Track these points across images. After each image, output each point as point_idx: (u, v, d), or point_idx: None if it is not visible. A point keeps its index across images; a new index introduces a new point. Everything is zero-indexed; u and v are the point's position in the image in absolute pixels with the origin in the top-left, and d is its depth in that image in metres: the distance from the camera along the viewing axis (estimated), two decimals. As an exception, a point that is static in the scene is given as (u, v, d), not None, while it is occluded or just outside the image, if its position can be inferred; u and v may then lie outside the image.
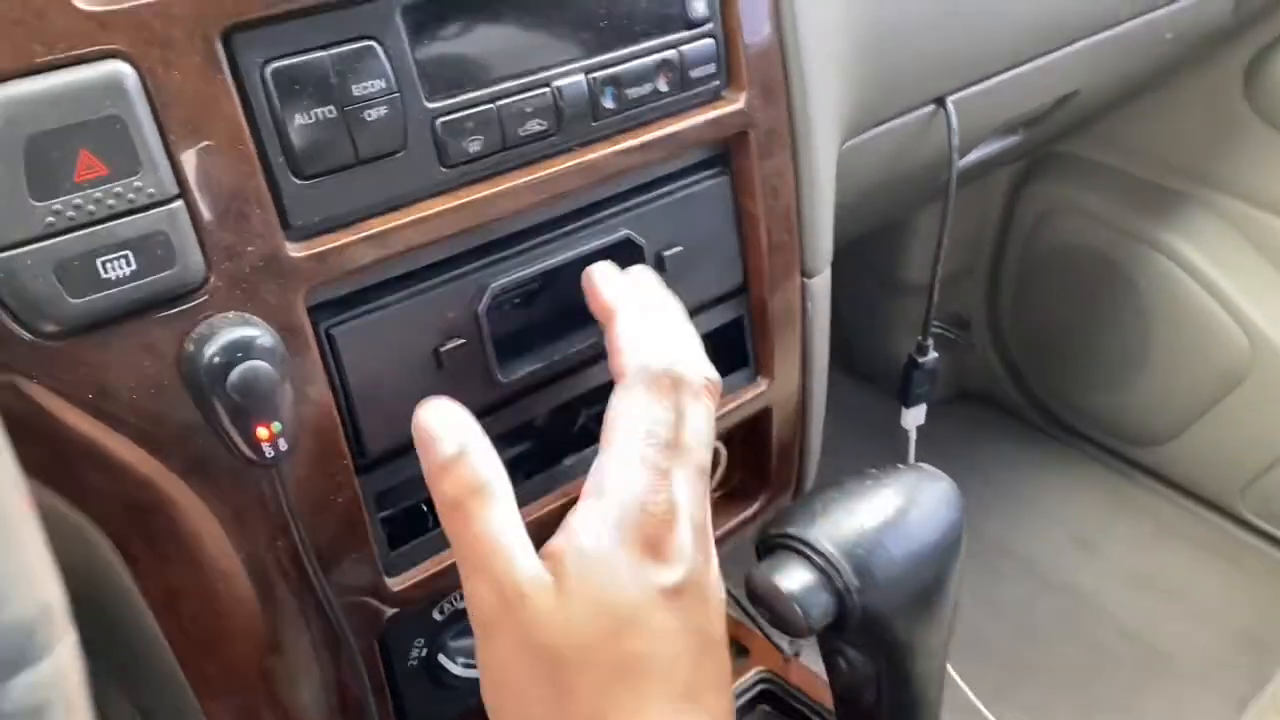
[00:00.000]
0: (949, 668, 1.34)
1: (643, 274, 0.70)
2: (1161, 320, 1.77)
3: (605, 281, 0.67)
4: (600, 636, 0.52)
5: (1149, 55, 1.34)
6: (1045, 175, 1.82)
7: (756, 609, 0.66)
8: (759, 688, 0.94)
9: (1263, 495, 1.76)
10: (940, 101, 0.99)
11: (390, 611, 0.67)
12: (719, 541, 0.89)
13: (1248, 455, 1.74)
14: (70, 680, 0.24)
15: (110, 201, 0.50)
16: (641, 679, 0.52)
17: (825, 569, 0.64)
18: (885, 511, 0.67)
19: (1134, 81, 1.46)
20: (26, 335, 0.50)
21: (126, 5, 0.50)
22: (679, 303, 0.69)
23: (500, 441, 0.72)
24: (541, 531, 0.73)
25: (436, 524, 0.71)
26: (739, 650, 0.97)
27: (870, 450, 1.73)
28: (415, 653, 0.72)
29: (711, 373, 0.65)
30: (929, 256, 1.93)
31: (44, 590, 0.24)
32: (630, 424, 0.59)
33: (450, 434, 0.57)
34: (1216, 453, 1.78)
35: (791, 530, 0.66)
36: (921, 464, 0.72)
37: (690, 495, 0.58)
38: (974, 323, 2.04)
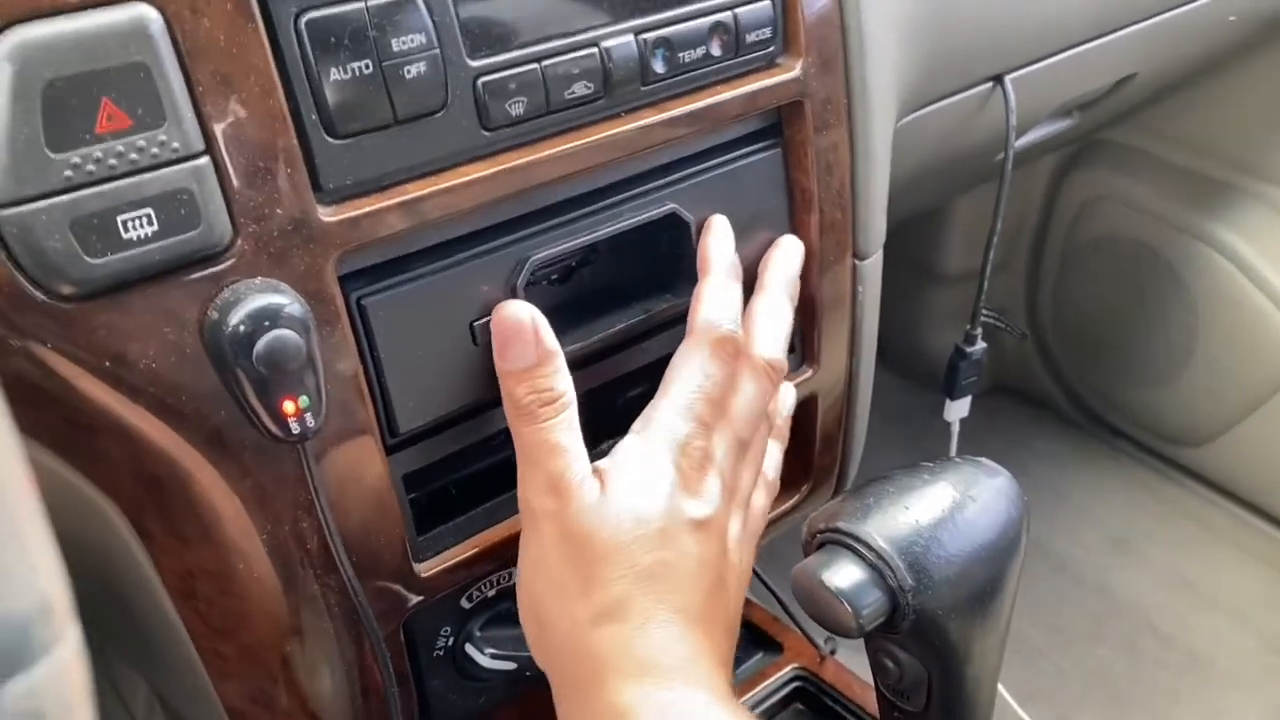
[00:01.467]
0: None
1: (786, 247, 0.74)
2: (1208, 316, 1.71)
3: (717, 237, 0.69)
4: (632, 538, 0.59)
5: (1210, 39, 1.29)
6: (1089, 163, 1.76)
7: (803, 606, 0.63)
8: (793, 685, 0.91)
9: (1307, 498, 1.71)
10: (998, 80, 0.95)
11: (418, 598, 0.64)
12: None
13: (1291, 457, 1.69)
14: (70, 685, 0.21)
15: (133, 155, 0.47)
16: (660, 584, 0.58)
17: (878, 566, 0.60)
18: (941, 507, 0.63)
19: (1193, 65, 1.40)
20: (41, 297, 0.47)
21: (153, -55, 0.47)
22: (786, 295, 0.72)
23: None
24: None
25: (466, 508, 0.68)
26: (773, 646, 0.93)
27: (905, 444, 1.69)
28: (442, 642, 0.69)
29: (777, 357, 0.68)
30: (966, 247, 1.90)
31: (44, 583, 0.21)
32: (687, 376, 0.64)
33: (530, 343, 0.60)
34: (1261, 454, 1.72)
35: (842, 525, 0.62)
36: (979, 458, 0.68)
37: (724, 455, 0.64)
38: (1012, 314, 1.99)
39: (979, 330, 1.05)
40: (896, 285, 1.98)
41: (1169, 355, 1.79)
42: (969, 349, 1.05)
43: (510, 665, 0.69)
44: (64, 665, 0.20)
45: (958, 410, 1.10)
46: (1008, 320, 1.13)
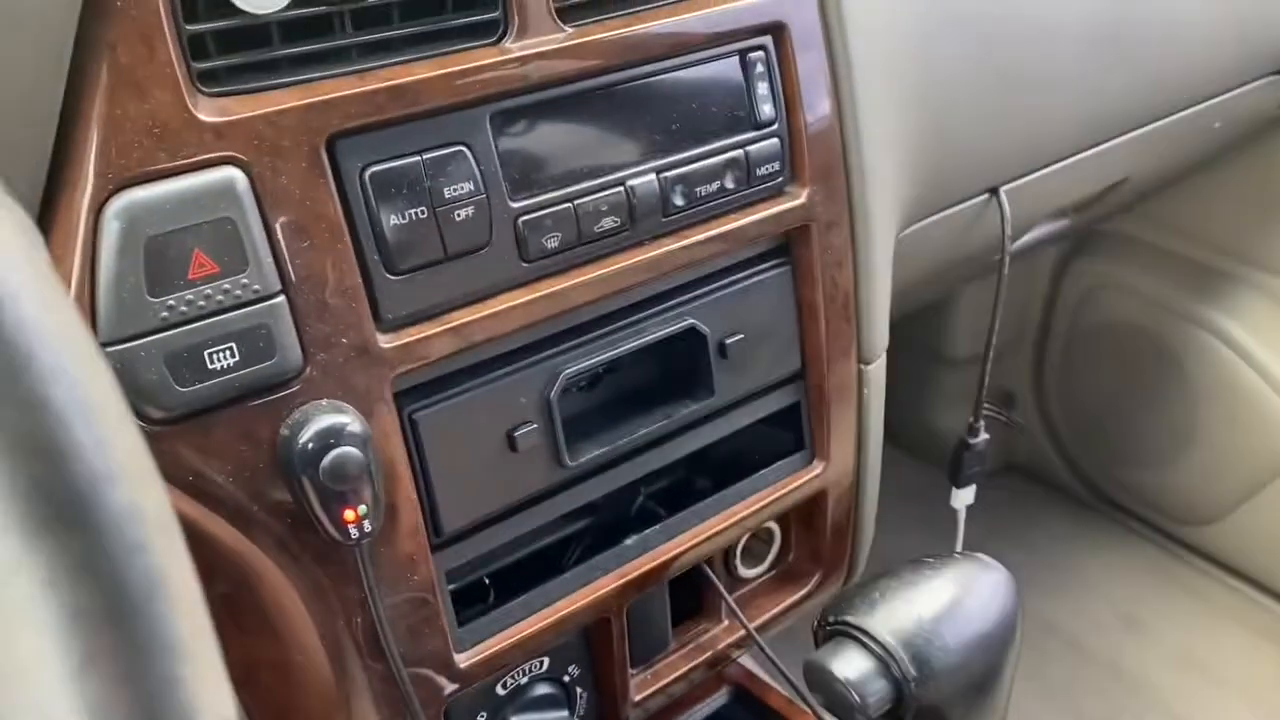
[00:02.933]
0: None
1: None
2: (1208, 399, 1.76)
3: None
4: None
5: (1197, 143, 1.36)
6: (1091, 252, 1.83)
7: (813, 694, 0.68)
8: (808, 767, 0.95)
9: (1314, 578, 1.74)
10: (994, 191, 1.01)
11: (458, 686, 0.69)
12: (774, 621, 0.91)
13: (1298, 537, 1.72)
14: None
15: (219, 297, 0.54)
16: None
17: (884, 657, 0.65)
18: (942, 601, 0.68)
19: (1183, 167, 1.47)
20: (135, 422, 0.53)
21: (242, 115, 0.54)
22: None
23: (565, 521, 0.75)
24: (599, 612, 0.75)
25: (500, 600, 0.73)
26: (789, 729, 0.98)
27: (915, 524, 1.73)
28: (478, 726, 0.74)
29: None
30: (973, 331, 1.96)
31: (227, 703, 0.27)
32: None
33: None
34: (1267, 534, 1.76)
35: (850, 618, 0.67)
36: (977, 554, 0.73)
37: None
38: (1019, 397, 2.04)
39: (981, 423, 1.10)
40: (906, 369, 2.04)
41: (1171, 437, 1.83)
42: (972, 440, 1.11)
43: (541, 749, 0.74)
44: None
45: (964, 498, 1.16)
46: (1008, 413, 1.18)
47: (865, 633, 0.66)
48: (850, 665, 0.65)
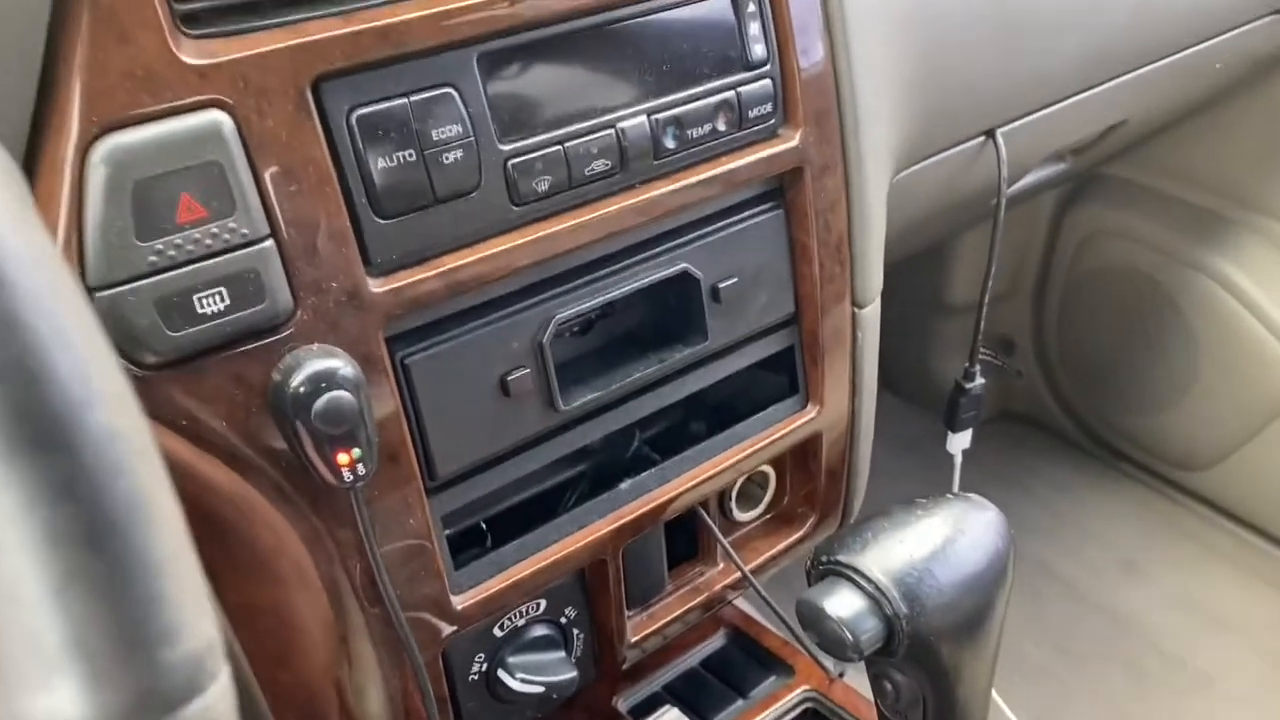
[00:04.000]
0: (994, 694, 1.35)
1: None
2: (1207, 344, 1.76)
3: None
4: None
5: (1198, 84, 1.35)
6: (1090, 198, 1.82)
7: (806, 632, 0.68)
8: (804, 706, 0.96)
9: (1310, 521, 1.75)
10: (990, 134, 1.01)
11: (455, 628, 0.70)
12: (770, 563, 0.92)
13: (1294, 481, 1.73)
14: (230, 705, 0.27)
15: (208, 241, 0.54)
16: None
17: (875, 595, 0.66)
18: (934, 540, 0.69)
19: (1182, 109, 1.46)
20: (128, 366, 0.54)
21: (227, 58, 0.53)
22: None
23: (560, 466, 0.76)
24: (595, 554, 0.76)
25: (498, 544, 0.74)
26: (785, 669, 0.99)
27: (914, 470, 1.74)
28: (476, 668, 0.75)
29: None
30: (972, 278, 1.96)
31: (210, 624, 0.28)
32: None
33: None
34: (1263, 478, 1.77)
35: (843, 557, 0.68)
36: (969, 494, 0.74)
37: None
38: (1019, 344, 2.04)
39: (977, 368, 1.10)
40: (905, 316, 2.05)
41: (1170, 382, 1.84)
42: (968, 385, 1.11)
43: (539, 689, 0.75)
44: (225, 689, 0.27)
45: (959, 442, 1.16)
46: (1004, 359, 1.18)
47: (857, 571, 0.66)
48: (842, 603, 0.66)
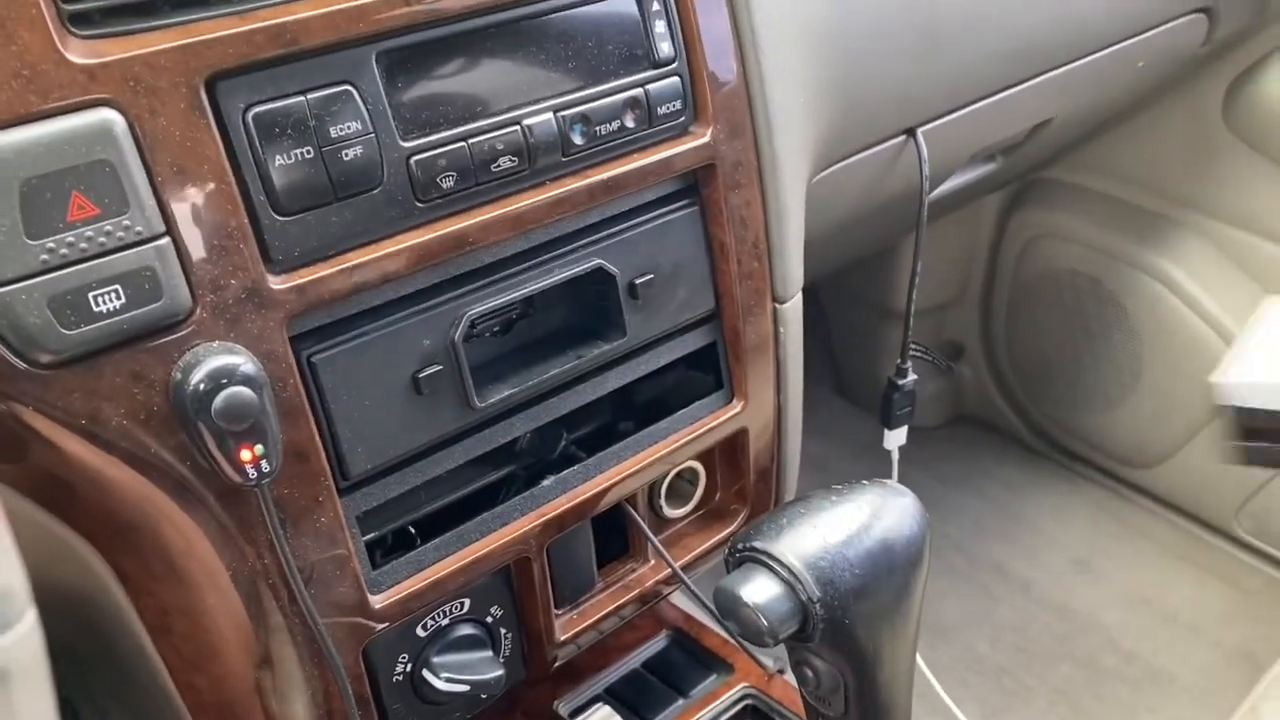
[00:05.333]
0: (939, 690, 1.36)
1: None
2: (1151, 341, 1.79)
3: None
4: None
5: (1122, 83, 1.37)
6: (1032, 202, 1.85)
7: (725, 620, 0.69)
8: (743, 703, 0.96)
9: (1257, 514, 1.77)
10: (910, 132, 1.02)
11: (375, 627, 0.70)
12: (701, 559, 0.93)
13: (1241, 475, 1.75)
14: (29, 652, 0.28)
15: (101, 239, 0.54)
16: None
17: (789, 580, 0.66)
18: (848, 526, 0.69)
19: (1109, 108, 1.49)
20: (23, 365, 0.54)
21: (115, 57, 0.54)
22: None
23: (479, 464, 0.76)
24: (518, 552, 0.76)
25: (420, 542, 0.74)
26: (724, 668, 0.99)
27: (860, 471, 1.74)
28: (400, 668, 0.74)
29: None
30: (919, 285, 1.98)
31: (6, 571, 0.28)
32: None
33: None
34: (1210, 473, 1.79)
35: (758, 544, 0.68)
36: (886, 480, 0.74)
37: None
38: (969, 348, 2.07)
39: (909, 364, 1.12)
40: (854, 323, 2.07)
41: (1117, 380, 1.86)
42: (900, 381, 1.12)
43: (464, 688, 0.75)
44: (23, 637, 0.27)
45: (895, 439, 1.17)
46: (944, 360, 1.19)
47: (771, 556, 0.67)
48: (756, 589, 0.66)
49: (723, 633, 1.04)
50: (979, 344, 2.04)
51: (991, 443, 2.09)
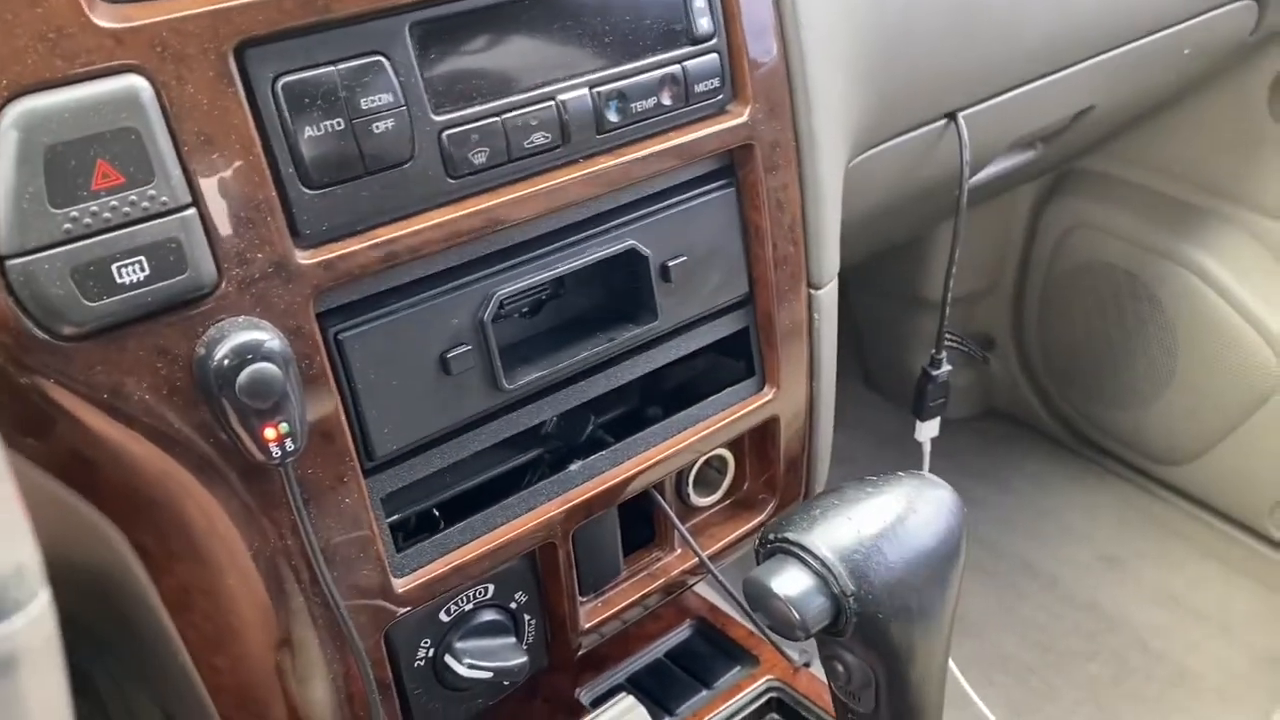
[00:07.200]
0: (966, 687, 1.34)
1: None
2: (1187, 337, 1.75)
3: None
4: None
5: (1167, 71, 1.34)
6: (1068, 192, 1.82)
7: (754, 612, 0.67)
8: (768, 695, 0.95)
9: (1292, 514, 1.74)
10: (952, 116, 1.00)
11: (397, 611, 0.69)
12: (728, 549, 0.91)
13: (1275, 473, 1.72)
14: (40, 634, 0.26)
15: (126, 209, 0.53)
16: None
17: (821, 573, 0.65)
18: (883, 518, 0.68)
19: (1152, 97, 1.45)
20: (45, 337, 0.53)
21: (143, 22, 0.52)
22: None
23: (505, 447, 0.75)
24: (544, 538, 0.75)
25: (445, 525, 0.73)
26: (749, 660, 0.98)
27: (888, 463, 1.72)
28: (422, 653, 0.73)
29: None
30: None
31: (18, 550, 0.26)
32: None
33: None
34: (1244, 471, 1.76)
35: (790, 535, 0.66)
36: (922, 472, 0.72)
37: None
38: (999, 340, 2.04)
39: (944, 354, 1.09)
40: (884, 313, 2.04)
41: (1151, 376, 1.83)
42: (934, 371, 1.10)
43: (487, 674, 0.74)
44: (36, 619, 0.26)
45: (928, 430, 1.15)
46: (978, 349, 1.17)
47: (804, 549, 0.65)
48: (788, 581, 0.64)
49: (748, 624, 1.02)
50: (1010, 336, 2.01)
51: (1020, 437, 2.06)
